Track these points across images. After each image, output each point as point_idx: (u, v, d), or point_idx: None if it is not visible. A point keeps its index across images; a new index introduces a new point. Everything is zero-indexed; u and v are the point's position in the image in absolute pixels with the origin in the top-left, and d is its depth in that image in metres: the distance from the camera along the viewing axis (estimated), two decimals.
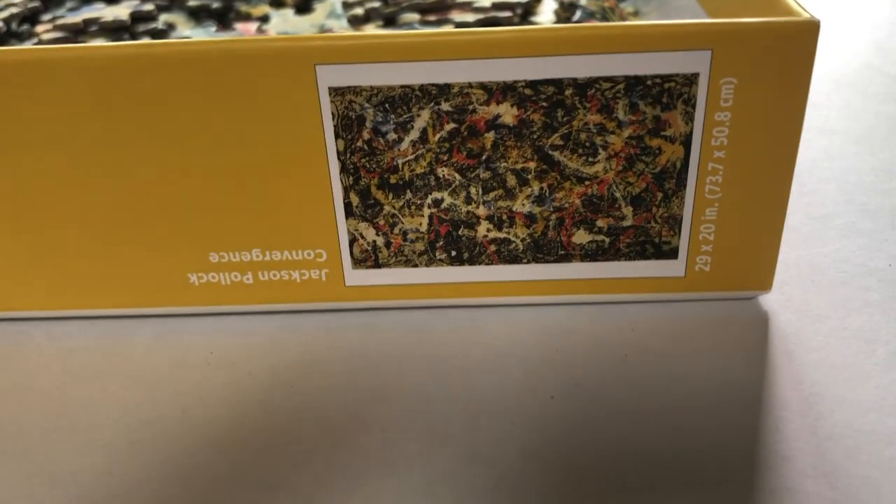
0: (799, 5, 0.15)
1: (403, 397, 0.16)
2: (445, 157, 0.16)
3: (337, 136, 0.16)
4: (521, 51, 0.15)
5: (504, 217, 0.17)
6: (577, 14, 0.28)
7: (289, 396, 0.16)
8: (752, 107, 0.15)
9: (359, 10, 0.30)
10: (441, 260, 0.17)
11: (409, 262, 0.17)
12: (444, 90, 0.15)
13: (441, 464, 0.14)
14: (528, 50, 0.15)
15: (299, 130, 0.16)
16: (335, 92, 0.15)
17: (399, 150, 0.16)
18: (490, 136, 0.16)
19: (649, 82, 0.15)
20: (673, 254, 0.17)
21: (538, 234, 0.17)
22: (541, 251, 0.17)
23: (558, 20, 0.28)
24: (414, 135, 0.16)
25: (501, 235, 0.17)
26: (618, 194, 0.16)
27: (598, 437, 0.15)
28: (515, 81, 0.15)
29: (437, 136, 0.16)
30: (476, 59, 0.15)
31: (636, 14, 0.30)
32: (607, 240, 0.17)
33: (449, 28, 0.27)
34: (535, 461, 0.14)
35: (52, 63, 0.15)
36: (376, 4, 0.30)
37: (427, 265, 0.17)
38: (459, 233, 0.17)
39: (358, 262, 0.17)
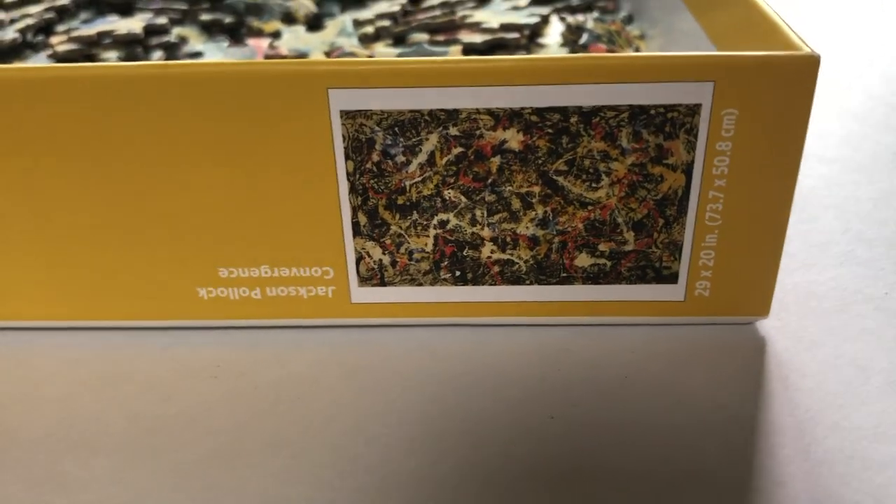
0: (800, 38, 0.16)
1: (405, 414, 0.16)
2: (452, 180, 0.16)
3: (347, 157, 0.16)
4: (528, 79, 0.15)
5: (508, 239, 0.17)
6: (584, 37, 0.29)
7: (292, 409, 0.16)
8: (753, 138, 0.16)
9: (369, 29, 0.30)
10: (445, 279, 0.18)
11: (414, 281, 0.18)
12: (452, 115, 0.16)
13: (439, 480, 0.15)
14: (534, 78, 0.15)
15: (311, 151, 0.16)
16: (346, 115, 0.16)
17: (407, 172, 0.16)
18: (496, 160, 0.16)
19: (652, 112, 0.16)
20: (673, 278, 0.17)
21: (541, 257, 0.17)
22: (543, 273, 0.17)
23: (565, 42, 0.29)
24: (422, 158, 0.16)
25: (505, 257, 0.17)
26: (620, 219, 0.17)
27: (596, 458, 0.15)
28: (522, 108, 0.16)
29: (445, 159, 0.16)
30: (484, 87, 0.15)
31: (642, 37, 0.30)
32: (609, 263, 0.17)
33: (457, 48, 0.28)
34: (534, 480, 0.15)
35: (71, 80, 0.15)
36: (386, 23, 0.31)
37: (432, 284, 0.18)
38: (464, 253, 0.17)
39: (364, 280, 0.18)
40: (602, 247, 0.17)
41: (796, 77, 0.15)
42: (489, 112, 0.16)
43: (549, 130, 0.16)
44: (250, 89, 0.15)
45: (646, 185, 0.16)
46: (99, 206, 0.17)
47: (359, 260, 0.17)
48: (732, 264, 0.17)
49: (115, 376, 0.17)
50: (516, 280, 0.17)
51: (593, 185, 0.16)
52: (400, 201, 0.17)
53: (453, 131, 0.16)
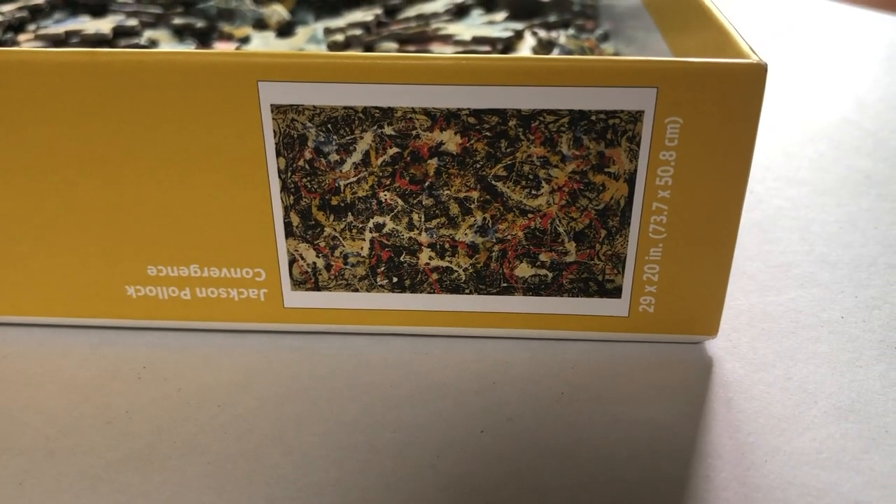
0: (751, 49, 0.15)
1: (330, 423, 0.16)
2: (388, 182, 0.16)
3: (278, 154, 0.16)
4: (465, 78, 0.15)
5: (446, 245, 0.16)
6: (555, 52, 0.28)
7: (215, 416, 0.16)
8: (698, 147, 0.15)
9: (339, 37, 0.30)
10: (382, 286, 0.17)
11: (349, 287, 0.17)
12: (387, 114, 0.15)
13: (359, 493, 0.14)
14: (472, 78, 0.15)
15: (241, 146, 0.15)
16: (277, 109, 0.15)
17: (341, 171, 0.16)
18: (433, 162, 0.16)
19: (594, 117, 0.15)
20: (616, 293, 0.17)
21: (481, 265, 0.17)
22: (483, 282, 0.17)
23: None
24: (356, 157, 0.16)
25: (444, 264, 0.17)
26: (561, 229, 0.16)
27: (522, 474, 0.14)
28: (459, 109, 0.15)
29: (380, 159, 0.16)
30: (421, 85, 0.15)
31: (616, 55, 0.30)
32: (550, 275, 0.17)
33: None
34: (457, 493, 0.14)
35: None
36: (358, 32, 0.30)
37: (368, 290, 0.17)
38: (401, 259, 0.17)
39: (297, 284, 0.17)
40: (543, 257, 0.16)
41: (743, 85, 0.15)
42: (426, 112, 0.15)
43: (488, 133, 0.15)
44: (179, 80, 0.15)
45: (587, 193, 0.16)
46: (26, 199, 0.16)
47: (291, 262, 0.17)
48: (678, 280, 0.17)
49: (38, 374, 0.17)
50: (455, 289, 0.17)
51: (533, 191, 0.16)
52: (334, 202, 0.16)
53: (389, 130, 0.15)
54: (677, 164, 0.15)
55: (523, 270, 0.17)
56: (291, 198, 0.16)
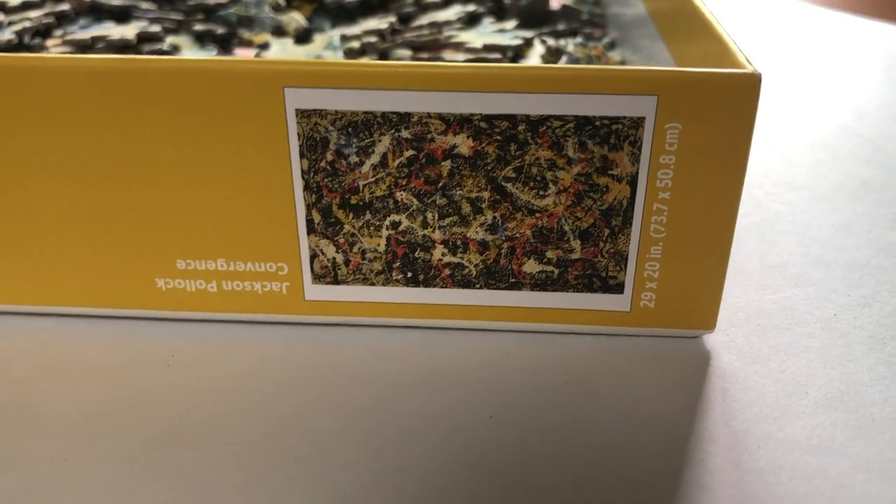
0: (747, 60, 0.16)
1: (346, 409, 0.17)
2: (404, 182, 0.17)
3: (302, 155, 0.17)
4: (478, 86, 0.16)
5: (458, 243, 0.17)
6: (563, 60, 0.29)
7: (238, 401, 0.17)
8: (696, 152, 0.16)
9: (355, 44, 0.31)
10: (397, 280, 0.18)
11: (366, 281, 0.18)
12: (404, 118, 0.16)
13: (373, 473, 0.15)
14: (484, 85, 0.16)
15: (266, 148, 0.17)
16: (302, 114, 0.16)
17: (360, 172, 0.17)
18: (447, 164, 0.17)
19: (598, 123, 0.16)
20: (619, 288, 0.18)
21: (490, 262, 0.18)
22: (493, 278, 0.18)
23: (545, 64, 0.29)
24: (375, 159, 0.17)
25: (455, 260, 0.18)
26: (567, 228, 0.17)
27: (529, 457, 0.15)
28: (472, 114, 0.16)
29: (397, 161, 0.17)
30: (436, 91, 0.16)
31: (622, 63, 0.31)
32: (556, 271, 0.18)
33: None
34: (465, 474, 0.15)
35: (30, 70, 0.16)
36: (373, 39, 0.31)
37: (384, 285, 0.18)
38: (415, 255, 0.18)
39: (318, 278, 0.18)
40: (550, 254, 0.17)
41: (738, 94, 0.16)
42: (440, 117, 0.16)
43: (498, 137, 0.16)
44: (209, 85, 0.16)
45: (591, 194, 0.17)
46: (60, 194, 0.17)
47: (313, 257, 0.18)
48: (678, 277, 0.17)
49: (70, 361, 0.18)
50: (466, 284, 0.18)
51: (541, 192, 0.17)
52: (353, 201, 0.17)
53: (405, 134, 0.16)
54: (677, 168, 0.16)
55: (531, 267, 0.18)
56: (313, 197, 0.17)
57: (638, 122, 0.16)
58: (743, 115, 0.16)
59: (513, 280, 0.18)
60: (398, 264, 0.18)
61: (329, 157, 0.17)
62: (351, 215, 0.17)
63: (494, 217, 0.17)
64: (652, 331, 0.18)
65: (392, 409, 0.17)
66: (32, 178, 0.17)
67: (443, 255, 0.18)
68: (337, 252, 0.18)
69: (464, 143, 0.16)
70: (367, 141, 0.16)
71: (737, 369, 0.18)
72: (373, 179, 0.17)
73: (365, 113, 0.16)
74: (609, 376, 0.17)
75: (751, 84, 0.16)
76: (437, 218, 0.17)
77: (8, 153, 0.17)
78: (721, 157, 0.16)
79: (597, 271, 0.18)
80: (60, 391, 0.17)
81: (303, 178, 0.17)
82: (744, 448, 0.16)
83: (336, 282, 0.18)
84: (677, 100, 0.16)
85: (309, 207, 0.17)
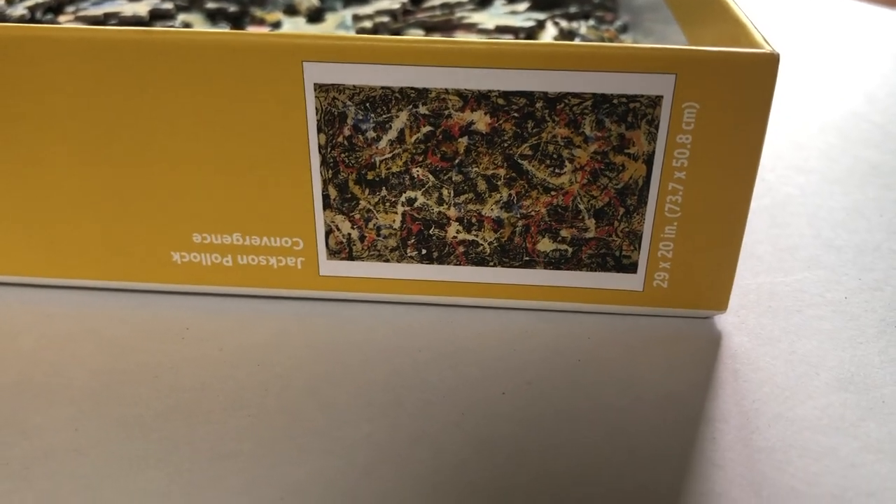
0: (765, 40, 0.16)
1: (362, 383, 0.17)
2: (420, 158, 0.17)
3: (319, 130, 0.17)
4: (495, 62, 0.16)
5: (473, 220, 0.17)
6: (576, 42, 0.29)
7: (253, 373, 0.17)
8: (713, 132, 0.16)
9: (367, 24, 0.31)
10: (412, 257, 0.18)
11: (381, 257, 0.18)
12: (422, 94, 0.16)
13: (388, 446, 0.15)
14: (502, 62, 0.16)
15: (284, 123, 0.17)
16: (320, 88, 0.16)
17: (377, 148, 0.17)
18: (463, 141, 0.17)
19: (615, 101, 0.16)
20: (632, 268, 0.18)
21: (505, 239, 0.18)
22: (507, 256, 0.18)
23: None
24: (392, 134, 0.17)
25: (470, 238, 0.18)
26: (582, 206, 0.17)
27: (542, 433, 0.16)
28: (489, 91, 0.16)
29: (414, 137, 0.17)
30: (453, 67, 0.16)
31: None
32: (570, 249, 0.18)
33: None
34: (480, 449, 0.15)
35: (48, 41, 0.16)
36: (385, 20, 0.31)
37: (398, 261, 0.18)
38: (430, 232, 0.18)
39: (333, 254, 0.18)
40: (564, 232, 0.17)
41: (756, 74, 0.16)
42: (458, 93, 0.16)
43: (515, 114, 0.16)
44: (226, 59, 0.16)
45: (607, 173, 0.17)
46: (77, 167, 0.17)
47: (328, 233, 0.18)
48: (691, 257, 0.18)
49: (85, 333, 0.18)
50: (480, 261, 0.18)
51: (556, 170, 0.17)
52: (370, 176, 0.17)
53: (423, 110, 0.16)
54: (693, 147, 0.16)
55: (545, 245, 0.18)
56: (330, 172, 0.17)
57: (655, 101, 0.16)
58: (760, 94, 0.16)
59: (527, 258, 0.18)
60: (413, 241, 0.18)
61: (346, 132, 0.17)
62: (367, 191, 0.17)
63: (510, 195, 0.17)
64: (664, 311, 0.18)
65: (408, 383, 0.17)
66: (49, 150, 0.17)
67: (457, 232, 0.18)
68: (352, 228, 0.18)
69: (481, 120, 0.16)
70: (384, 116, 0.16)
71: (748, 350, 0.18)
72: (389, 155, 0.17)
73: (383, 88, 0.16)
74: (621, 355, 0.18)
75: (769, 64, 0.16)
76: (452, 195, 0.17)
77: (25, 124, 0.17)
78: (737, 137, 0.16)
79: (611, 250, 0.18)
80: (74, 362, 0.17)
81: (320, 153, 0.17)
82: (754, 427, 0.16)
83: (351, 257, 0.18)
84: (695, 78, 0.16)
85: (325, 183, 0.17)
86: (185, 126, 0.17)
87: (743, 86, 0.16)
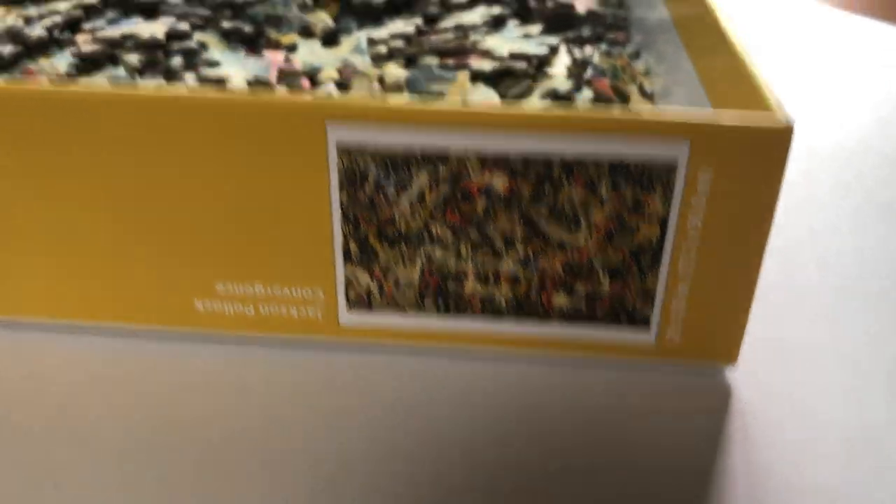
0: (776, 100, 0.17)
1: (378, 429, 0.17)
2: (439, 216, 0.17)
3: (341, 188, 0.17)
4: (515, 128, 0.16)
5: (490, 276, 0.18)
6: (589, 71, 0.29)
7: (271, 418, 0.17)
8: (727, 195, 0.17)
9: (382, 49, 0.31)
10: (429, 309, 0.18)
11: (399, 308, 0.18)
12: (442, 156, 0.16)
13: (401, 494, 0.16)
14: (521, 127, 0.16)
15: (307, 180, 0.17)
16: (342, 148, 0.17)
17: (397, 205, 0.17)
18: (482, 201, 0.17)
19: (631, 165, 0.16)
20: (645, 323, 0.18)
21: (521, 294, 0.18)
22: (523, 310, 0.18)
23: (570, 76, 0.30)
24: (412, 193, 0.17)
25: (487, 292, 0.18)
26: (597, 264, 0.17)
27: (551, 484, 0.16)
28: (508, 154, 0.16)
29: (434, 196, 0.17)
30: (474, 132, 0.16)
31: (647, 74, 0.31)
32: (585, 305, 0.18)
33: (465, 74, 0.29)
34: (489, 499, 0.16)
35: (83, 99, 0.16)
36: (399, 44, 0.32)
37: (416, 312, 0.18)
38: (448, 286, 0.18)
39: (352, 305, 0.18)
40: (579, 288, 0.18)
41: (770, 144, 0.16)
42: (478, 156, 0.16)
43: (533, 177, 0.17)
44: (255, 117, 0.16)
45: (622, 233, 0.17)
46: (109, 216, 0.18)
47: (348, 285, 0.18)
48: (703, 313, 0.18)
49: (106, 378, 0.18)
50: (496, 314, 0.18)
51: (573, 229, 0.17)
52: (389, 232, 0.17)
53: (443, 171, 0.17)
54: (707, 210, 0.17)
55: (560, 300, 0.18)
56: (351, 227, 0.17)
57: (670, 166, 0.16)
58: (774, 162, 0.16)
59: (542, 312, 0.18)
60: (431, 294, 0.18)
61: (368, 190, 0.17)
62: (387, 246, 0.18)
63: (527, 252, 0.17)
64: (676, 363, 0.19)
65: (421, 431, 0.17)
66: (79, 196, 0.18)
67: (474, 286, 0.18)
68: (371, 281, 0.18)
69: (499, 182, 0.17)
70: (405, 176, 0.17)
71: (756, 405, 0.18)
72: (409, 213, 0.17)
73: (404, 149, 0.17)
74: (633, 407, 0.18)
75: (783, 135, 0.16)
76: (470, 251, 0.18)
77: (57, 171, 0.17)
78: (751, 200, 0.17)
79: (624, 306, 0.18)
80: (94, 407, 0.18)
81: (341, 209, 0.17)
82: (762, 485, 0.16)
83: (370, 308, 0.18)
84: (710, 146, 0.16)
85: (346, 237, 0.18)
86: (213, 180, 0.17)
87: (757, 153, 0.16)
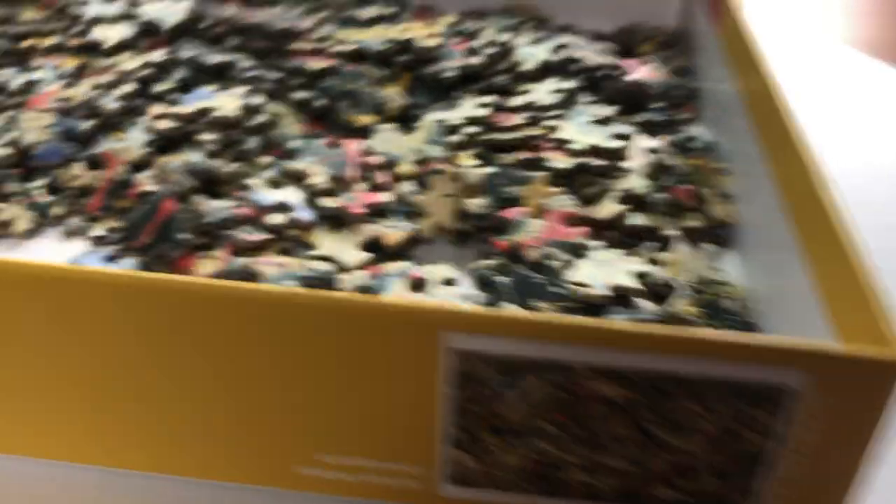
0: (888, 327, 0.17)
1: None
2: (550, 416, 0.18)
3: (451, 385, 0.17)
4: (632, 346, 0.16)
5: (596, 468, 0.18)
6: (669, 178, 0.29)
7: None
8: (833, 417, 0.17)
9: (456, 137, 0.31)
10: (531, 490, 0.19)
11: (499, 487, 0.19)
12: (556, 365, 0.17)
13: None
14: (639, 346, 0.16)
15: (417, 378, 0.17)
16: (456, 353, 0.17)
17: (510, 405, 0.17)
18: (594, 405, 0.17)
19: (742, 385, 0.17)
20: None
21: (626, 485, 0.18)
22: (626, 500, 0.19)
23: (650, 177, 0.29)
24: (525, 396, 0.17)
25: (590, 480, 0.18)
26: (703, 468, 0.18)
27: None
28: (623, 369, 0.17)
29: (546, 398, 0.17)
30: (589, 347, 0.16)
31: (722, 171, 0.30)
32: (689, 501, 0.18)
33: (543, 175, 0.29)
34: None
35: (203, 294, 0.17)
36: (474, 130, 0.32)
37: (516, 492, 0.19)
38: (551, 473, 0.18)
39: (453, 481, 0.19)
40: (683, 485, 0.18)
41: (877, 376, 0.16)
42: (591, 368, 0.17)
43: (648, 390, 0.17)
44: (371, 319, 0.17)
45: (730, 443, 0.17)
46: (233, 396, 0.18)
47: (451, 465, 0.19)
48: None
49: None
50: (597, 499, 0.19)
51: (683, 437, 0.17)
52: (496, 424, 0.18)
53: (557, 378, 0.17)
54: (812, 428, 0.17)
55: (663, 492, 0.18)
56: (457, 416, 0.18)
57: (780, 388, 0.16)
58: (879, 395, 0.16)
59: (644, 502, 0.19)
60: (533, 478, 0.19)
61: (479, 389, 0.17)
62: (495, 437, 0.18)
63: (634, 451, 0.18)
64: None
65: None
66: (205, 377, 0.18)
67: (578, 474, 0.18)
68: (475, 463, 0.18)
69: (613, 391, 0.17)
70: (518, 379, 0.17)
71: None
72: (522, 412, 0.18)
73: (518, 357, 0.17)
74: None
75: (890, 370, 0.16)
76: (576, 446, 0.18)
77: (197, 362, 0.18)
78: (856, 423, 0.17)
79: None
80: None
81: (452, 403, 0.18)
82: None
83: (469, 485, 0.19)
84: (822, 374, 0.16)
85: (451, 426, 0.18)
86: (327, 374, 0.18)
87: (865, 387, 0.16)
